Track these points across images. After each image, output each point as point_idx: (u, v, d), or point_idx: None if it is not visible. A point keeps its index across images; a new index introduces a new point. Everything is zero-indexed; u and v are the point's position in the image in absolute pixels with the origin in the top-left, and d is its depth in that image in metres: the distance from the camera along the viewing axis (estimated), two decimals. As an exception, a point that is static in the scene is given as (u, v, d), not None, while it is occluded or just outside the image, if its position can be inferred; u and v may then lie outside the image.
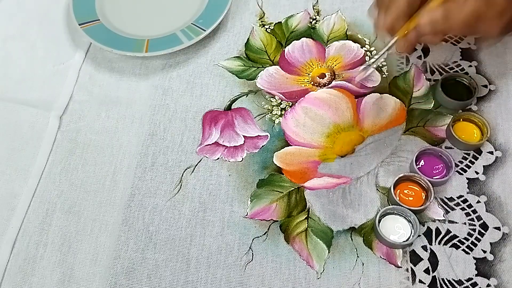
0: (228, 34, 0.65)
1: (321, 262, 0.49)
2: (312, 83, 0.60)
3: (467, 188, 0.52)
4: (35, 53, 0.65)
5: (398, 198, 0.51)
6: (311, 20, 0.65)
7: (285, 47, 0.63)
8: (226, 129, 0.57)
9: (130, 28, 0.64)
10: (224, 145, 0.56)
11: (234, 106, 0.59)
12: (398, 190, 0.52)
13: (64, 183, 0.55)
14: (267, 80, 0.60)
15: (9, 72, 0.63)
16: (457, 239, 0.50)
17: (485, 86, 0.58)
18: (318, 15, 0.65)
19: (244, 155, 0.56)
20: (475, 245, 0.49)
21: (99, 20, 0.64)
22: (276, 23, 0.65)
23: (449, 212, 0.51)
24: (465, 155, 0.54)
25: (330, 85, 0.59)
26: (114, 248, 0.51)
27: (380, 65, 0.60)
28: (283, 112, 0.58)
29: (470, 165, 0.53)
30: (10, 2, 0.70)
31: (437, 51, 0.61)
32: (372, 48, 0.62)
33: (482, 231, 0.50)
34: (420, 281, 0.48)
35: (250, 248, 0.50)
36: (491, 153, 0.54)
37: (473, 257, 0.49)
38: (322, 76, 0.60)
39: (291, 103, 0.59)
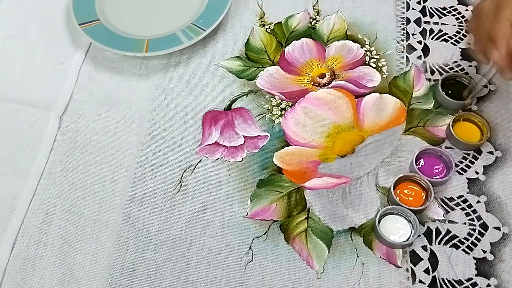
0: (228, 34, 0.65)
1: (321, 262, 0.49)
2: (312, 83, 0.60)
3: (467, 188, 0.52)
4: (35, 53, 0.65)
5: (398, 198, 0.51)
6: (311, 20, 0.65)
7: (285, 47, 0.63)
8: (226, 129, 0.57)
9: (130, 28, 0.64)
10: (224, 145, 0.56)
11: (234, 106, 0.59)
12: (398, 190, 0.52)
13: (64, 183, 0.55)
14: (267, 80, 0.60)
15: (9, 72, 0.63)
16: (457, 239, 0.50)
17: (485, 86, 0.58)
18: (318, 15, 0.66)
19: (244, 155, 0.56)
20: (475, 245, 0.49)
21: (99, 20, 0.64)
22: (276, 23, 0.65)
23: (449, 212, 0.51)
24: (465, 155, 0.54)
25: (330, 85, 0.59)
26: (114, 248, 0.51)
27: (380, 65, 0.60)
28: (283, 112, 0.58)
29: (470, 165, 0.53)
30: (10, 2, 0.70)
31: (437, 51, 0.61)
32: (372, 48, 0.62)
33: (482, 231, 0.50)
34: (420, 281, 0.48)
35: (250, 248, 0.50)
36: (491, 153, 0.54)
37: (473, 257, 0.49)
38: (322, 76, 0.60)
39: (291, 103, 0.59)
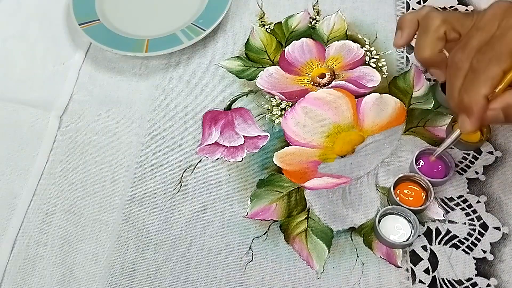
0: (228, 34, 0.65)
1: (321, 262, 0.49)
2: (312, 83, 0.60)
3: (467, 188, 0.52)
4: (35, 53, 0.65)
5: (398, 198, 0.51)
6: (311, 20, 0.65)
7: (285, 47, 0.63)
8: (226, 129, 0.57)
9: (130, 28, 0.64)
10: (224, 145, 0.56)
11: (234, 106, 0.59)
12: (398, 190, 0.52)
13: (64, 183, 0.55)
14: (267, 80, 0.60)
15: (9, 72, 0.63)
16: (457, 239, 0.49)
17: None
18: (318, 15, 0.66)
19: (244, 155, 0.56)
20: (475, 245, 0.49)
21: (99, 20, 0.64)
22: (276, 23, 0.65)
23: (449, 212, 0.51)
24: (465, 155, 0.54)
25: (330, 85, 0.59)
26: (114, 248, 0.51)
27: (380, 65, 0.60)
28: (283, 112, 0.58)
29: (470, 165, 0.53)
30: (10, 2, 0.70)
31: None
32: (372, 48, 0.62)
33: (482, 231, 0.50)
34: (420, 281, 0.48)
35: (250, 248, 0.50)
36: (491, 153, 0.54)
37: (473, 257, 0.49)
38: (322, 76, 0.60)
39: (291, 103, 0.59)
